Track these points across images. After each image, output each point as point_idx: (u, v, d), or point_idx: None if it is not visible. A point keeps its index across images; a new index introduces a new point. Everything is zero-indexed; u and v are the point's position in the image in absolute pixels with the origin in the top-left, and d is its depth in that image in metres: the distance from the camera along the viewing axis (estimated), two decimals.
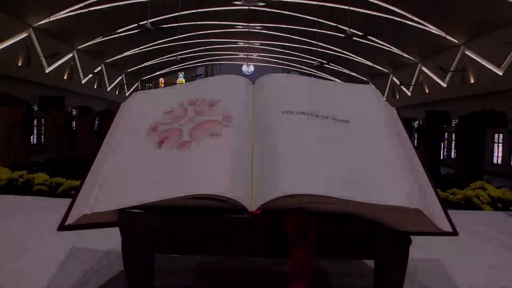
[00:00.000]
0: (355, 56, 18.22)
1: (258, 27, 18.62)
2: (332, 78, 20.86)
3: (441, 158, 16.35)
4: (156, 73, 26.29)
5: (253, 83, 1.01)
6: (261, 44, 21.39)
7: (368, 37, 13.69)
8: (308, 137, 0.79)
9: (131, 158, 0.78)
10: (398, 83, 18.01)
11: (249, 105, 0.90)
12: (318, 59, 17.08)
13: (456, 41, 13.55)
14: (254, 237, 0.74)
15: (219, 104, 0.86)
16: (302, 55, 21.16)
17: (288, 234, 0.70)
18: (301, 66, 23.49)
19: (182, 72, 30.07)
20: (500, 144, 16.50)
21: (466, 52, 13.41)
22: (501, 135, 16.23)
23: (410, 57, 16.55)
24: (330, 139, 0.79)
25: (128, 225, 0.72)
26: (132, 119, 0.93)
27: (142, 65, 21.99)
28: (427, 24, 13.11)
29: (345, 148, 0.77)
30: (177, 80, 29.80)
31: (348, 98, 0.91)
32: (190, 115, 0.85)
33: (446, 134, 17.18)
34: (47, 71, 14.60)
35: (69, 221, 0.74)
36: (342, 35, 12.81)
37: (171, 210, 0.71)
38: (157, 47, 19.24)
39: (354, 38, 13.03)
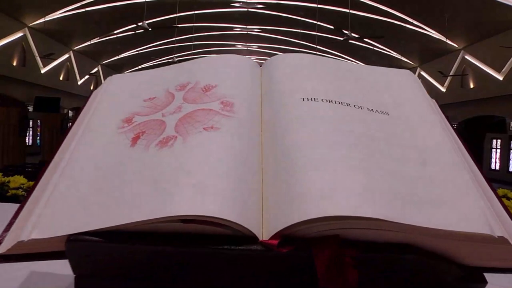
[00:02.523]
0: (354, 60, 18.21)
1: (256, 30, 18.61)
2: None
3: None
4: None
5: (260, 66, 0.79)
6: (259, 47, 21.36)
7: (368, 40, 13.65)
8: (339, 133, 0.60)
9: (91, 163, 0.59)
10: None
11: (256, 91, 0.70)
12: None
13: (456, 46, 13.52)
14: (266, 278, 0.53)
15: (216, 89, 0.67)
16: None
17: (317, 274, 0.49)
18: None
19: None
20: (498, 150, 16.49)
21: (466, 57, 13.38)
22: (499, 140, 16.23)
23: (409, 61, 16.54)
24: (368, 136, 0.60)
25: (79, 258, 0.52)
26: (102, 109, 0.69)
27: (139, 66, 21.94)
28: (427, 28, 13.08)
29: (390, 149, 0.59)
30: None
31: (385, 84, 0.73)
32: (178, 102, 0.66)
33: None
34: (42, 71, 14.49)
35: (1, 250, 0.54)
36: (341, 38, 12.76)
37: (144, 238, 0.51)
38: (154, 48, 19.20)
39: (353, 41, 12.99)
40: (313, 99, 0.66)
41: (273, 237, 0.49)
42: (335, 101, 0.65)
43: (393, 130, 0.61)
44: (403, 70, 0.79)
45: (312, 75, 0.72)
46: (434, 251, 0.53)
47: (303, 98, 0.66)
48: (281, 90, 0.68)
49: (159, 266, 0.52)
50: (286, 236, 0.49)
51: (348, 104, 0.65)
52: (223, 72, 0.72)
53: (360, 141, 0.59)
